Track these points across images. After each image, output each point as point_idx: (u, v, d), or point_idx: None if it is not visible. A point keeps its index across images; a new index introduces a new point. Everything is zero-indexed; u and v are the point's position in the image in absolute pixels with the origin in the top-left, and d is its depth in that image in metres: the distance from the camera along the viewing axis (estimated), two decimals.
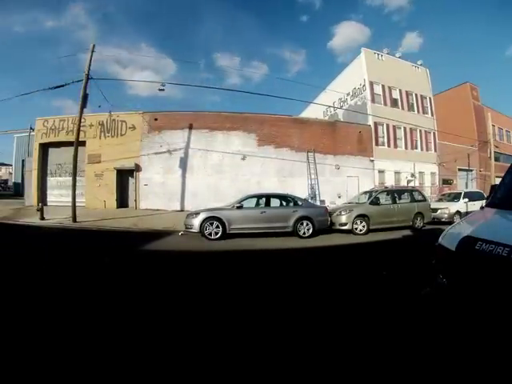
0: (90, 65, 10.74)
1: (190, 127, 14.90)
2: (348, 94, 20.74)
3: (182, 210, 13.35)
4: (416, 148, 19.59)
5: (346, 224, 8.86)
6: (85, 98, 10.87)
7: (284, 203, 8.95)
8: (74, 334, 2.30)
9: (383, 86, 18.84)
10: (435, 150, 20.10)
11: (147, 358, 1.94)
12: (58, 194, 15.27)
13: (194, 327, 2.48)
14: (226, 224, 7.68)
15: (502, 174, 3.13)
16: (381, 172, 17.70)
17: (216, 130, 15.08)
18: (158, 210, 13.82)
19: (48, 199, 15.24)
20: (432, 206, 11.20)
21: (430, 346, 2.06)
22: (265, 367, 1.89)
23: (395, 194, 10.23)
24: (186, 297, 3.29)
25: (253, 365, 1.93)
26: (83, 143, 14.15)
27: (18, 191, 23.73)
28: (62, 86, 11.05)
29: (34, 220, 10.39)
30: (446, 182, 20.23)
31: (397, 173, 18.18)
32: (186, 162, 14.78)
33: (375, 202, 9.52)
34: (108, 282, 3.82)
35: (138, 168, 14.76)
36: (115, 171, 14.73)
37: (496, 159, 22.28)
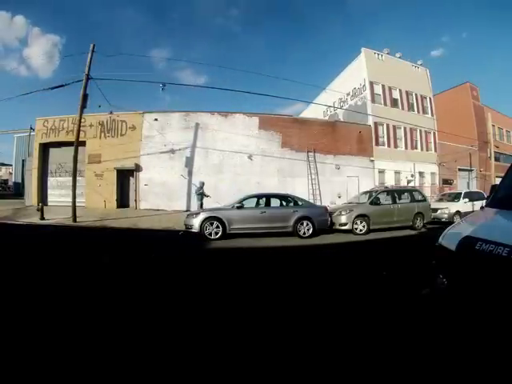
0: (90, 65, 10.74)
1: (197, 127, 14.94)
2: (348, 94, 20.74)
3: (187, 210, 13.11)
4: (416, 148, 19.59)
5: (346, 224, 8.86)
6: (85, 97, 10.87)
7: (284, 203, 8.95)
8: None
9: (383, 86, 18.84)
10: (435, 150, 20.10)
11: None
12: (59, 194, 15.25)
13: (194, 327, 2.49)
14: (226, 224, 7.67)
15: (502, 174, 3.13)
16: (381, 172, 17.69)
17: (218, 130, 15.11)
18: (158, 209, 13.83)
19: (48, 199, 15.23)
20: (432, 206, 11.21)
21: (431, 345, 2.07)
22: (264, 363, 1.90)
23: (395, 193, 10.23)
24: (185, 297, 3.29)
25: (252, 357, 1.94)
26: (83, 143, 14.15)
27: (18, 191, 23.73)
28: (62, 86, 11.06)
29: (34, 220, 10.40)
30: (446, 181, 20.24)
31: (397, 173, 18.17)
32: (190, 161, 14.78)
33: (375, 201, 9.52)
34: (108, 282, 3.82)
35: (138, 168, 14.76)
36: (115, 171, 14.73)
37: (496, 159, 22.29)
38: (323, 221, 8.60)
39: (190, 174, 14.70)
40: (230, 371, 1.85)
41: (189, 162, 14.74)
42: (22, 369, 1.81)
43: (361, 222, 8.95)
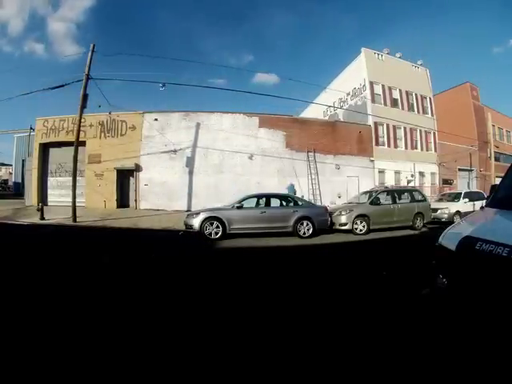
0: (90, 65, 10.75)
1: (198, 127, 14.94)
2: (348, 94, 20.75)
3: (188, 210, 12.93)
4: (416, 148, 19.59)
5: (346, 224, 8.86)
6: (85, 97, 10.88)
7: (284, 203, 8.95)
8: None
9: (383, 86, 18.84)
10: (435, 150, 20.10)
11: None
12: (59, 194, 15.26)
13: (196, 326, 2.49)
14: (226, 224, 7.68)
15: (502, 174, 3.13)
16: (381, 172, 17.69)
17: (219, 130, 15.11)
18: (158, 209, 13.83)
19: (48, 199, 15.24)
20: (432, 206, 11.20)
21: (431, 345, 2.07)
22: (263, 361, 1.90)
23: (395, 193, 10.22)
24: (185, 297, 3.29)
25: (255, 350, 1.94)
26: (83, 143, 14.15)
27: (18, 191, 23.73)
28: (62, 86, 11.06)
29: (34, 220, 10.40)
30: (446, 181, 20.24)
31: (397, 173, 18.17)
32: (191, 161, 14.78)
33: (375, 201, 9.52)
34: (108, 282, 3.82)
35: (138, 168, 14.77)
36: (115, 171, 14.73)
37: (496, 159, 22.29)
38: (323, 221, 8.60)
39: (190, 173, 14.71)
40: (230, 367, 1.86)
41: (190, 162, 14.75)
42: (22, 368, 1.81)
43: (361, 222, 8.95)
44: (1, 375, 1.75)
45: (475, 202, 11.49)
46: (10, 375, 1.75)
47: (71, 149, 11.19)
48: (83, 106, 10.95)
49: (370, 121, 17.90)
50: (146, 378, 1.77)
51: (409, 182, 18.04)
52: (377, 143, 17.97)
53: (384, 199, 10.00)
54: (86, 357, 1.97)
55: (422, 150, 19.73)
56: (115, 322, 2.56)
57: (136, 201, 14.74)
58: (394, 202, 9.89)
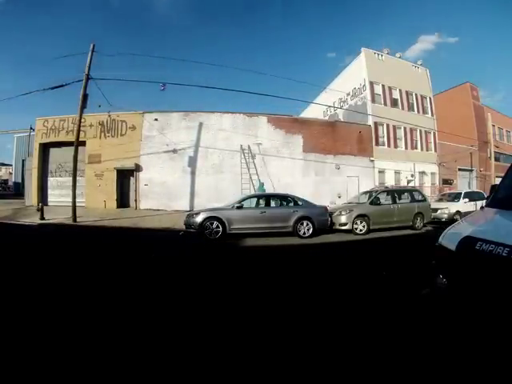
0: (90, 65, 10.74)
1: (200, 126, 14.95)
2: (348, 94, 20.75)
3: (189, 210, 12.73)
4: (416, 148, 19.60)
5: (346, 224, 8.86)
6: (85, 98, 10.88)
7: (284, 203, 8.96)
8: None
9: (383, 86, 18.85)
10: (435, 150, 20.11)
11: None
12: (59, 194, 15.27)
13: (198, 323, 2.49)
14: (226, 224, 7.68)
15: (502, 174, 3.13)
16: (381, 172, 17.69)
17: (219, 130, 15.11)
18: (158, 209, 13.83)
19: (48, 199, 15.25)
20: (432, 206, 11.20)
21: (430, 345, 2.07)
22: (264, 363, 1.90)
23: (395, 193, 10.22)
24: (184, 297, 3.29)
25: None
26: (83, 143, 14.16)
27: (18, 191, 23.74)
28: (62, 86, 11.05)
29: (34, 220, 10.40)
30: (446, 181, 20.24)
31: (397, 173, 18.17)
32: (192, 161, 14.77)
33: (375, 201, 9.52)
34: (108, 282, 3.83)
35: (138, 168, 14.77)
36: (115, 171, 14.73)
37: (496, 159, 22.29)
38: (323, 221, 8.60)
39: (192, 173, 14.70)
40: (230, 367, 1.86)
41: (191, 162, 14.74)
42: (22, 368, 1.81)
43: (361, 222, 8.95)
44: (1, 375, 1.75)
45: (475, 202, 11.50)
46: (10, 374, 1.75)
47: (71, 149, 11.19)
48: (83, 106, 10.95)
49: (370, 121, 17.90)
50: (146, 376, 1.77)
51: (409, 182, 18.05)
52: (377, 143, 17.97)
53: (384, 199, 9.99)
54: (85, 355, 1.97)
55: (422, 150, 19.73)
56: (114, 321, 2.56)
57: (136, 201, 14.73)
58: (394, 202, 9.89)
